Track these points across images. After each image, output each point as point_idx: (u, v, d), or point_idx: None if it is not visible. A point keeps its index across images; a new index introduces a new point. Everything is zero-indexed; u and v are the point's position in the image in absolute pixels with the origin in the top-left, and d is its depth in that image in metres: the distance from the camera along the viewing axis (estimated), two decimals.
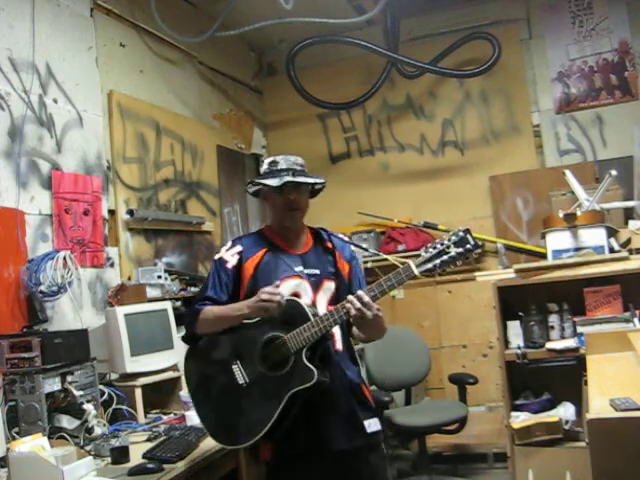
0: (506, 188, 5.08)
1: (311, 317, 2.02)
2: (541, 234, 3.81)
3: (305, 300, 2.11)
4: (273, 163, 2.21)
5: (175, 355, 3.29)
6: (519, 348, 3.40)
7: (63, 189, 3.22)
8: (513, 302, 3.50)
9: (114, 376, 3.09)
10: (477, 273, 4.55)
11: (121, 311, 3.06)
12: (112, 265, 3.55)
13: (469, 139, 5.27)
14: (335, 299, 2.16)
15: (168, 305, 3.39)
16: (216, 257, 2.25)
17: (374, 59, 5.09)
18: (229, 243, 2.27)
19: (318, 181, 2.22)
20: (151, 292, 3.59)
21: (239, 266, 2.19)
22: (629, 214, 4.26)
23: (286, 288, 2.12)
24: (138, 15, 4.04)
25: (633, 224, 3.83)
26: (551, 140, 5.07)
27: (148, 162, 4.01)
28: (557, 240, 3.63)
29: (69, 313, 3.13)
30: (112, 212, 3.63)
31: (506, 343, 3.49)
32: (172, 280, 3.82)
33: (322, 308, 2.14)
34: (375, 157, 5.53)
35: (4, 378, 2.45)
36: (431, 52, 5.07)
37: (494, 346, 4.62)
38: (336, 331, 2.17)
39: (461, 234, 1.93)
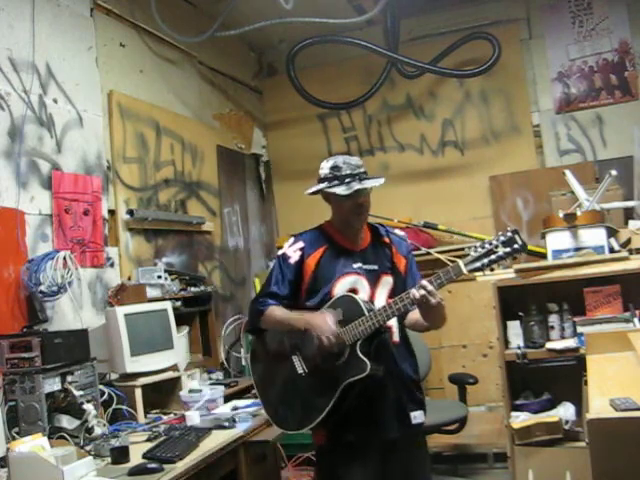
0: (506, 188, 5.07)
1: (365, 312, 2.14)
2: (541, 234, 3.81)
3: (362, 296, 2.21)
4: (336, 168, 2.26)
5: (175, 355, 3.30)
6: (519, 348, 3.40)
7: (63, 189, 3.21)
8: (513, 302, 3.50)
9: (114, 376, 3.09)
10: (477, 273, 4.54)
11: (121, 311, 3.07)
12: (112, 265, 3.54)
13: (469, 139, 5.27)
14: (393, 293, 2.25)
15: (168, 305, 3.40)
16: (279, 253, 2.36)
17: (374, 59, 5.09)
18: (291, 239, 2.36)
19: (381, 181, 2.26)
20: (151, 292, 3.59)
21: (301, 262, 2.29)
22: (629, 214, 4.26)
23: (344, 285, 2.24)
24: (138, 15, 4.03)
25: (633, 224, 3.82)
26: (551, 140, 5.07)
27: (148, 162, 4.01)
28: (557, 240, 3.63)
29: (69, 313, 3.13)
30: (112, 212, 3.63)
31: (506, 343, 3.49)
32: (172, 280, 3.82)
33: (382, 302, 2.23)
34: (375, 157, 5.53)
35: (4, 378, 2.45)
36: (431, 52, 5.07)
37: (494, 346, 4.62)
38: (394, 324, 2.27)
39: (509, 234, 2.00)
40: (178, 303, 3.73)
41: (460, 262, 2.04)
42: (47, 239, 3.11)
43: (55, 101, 3.27)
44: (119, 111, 3.77)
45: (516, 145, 5.13)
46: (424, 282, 2.06)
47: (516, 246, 1.99)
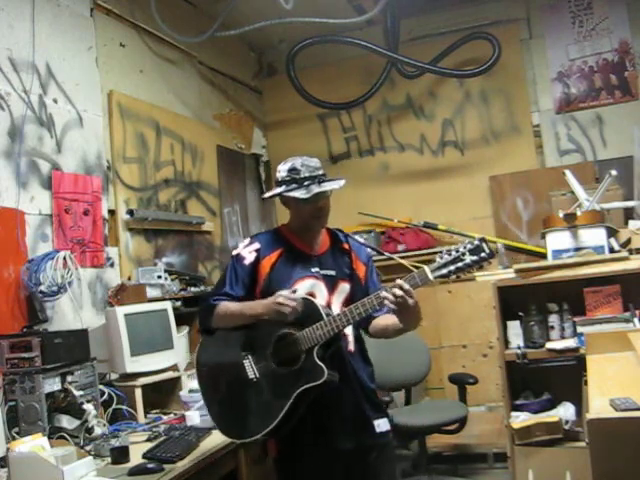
0: (506, 188, 5.08)
1: (324, 316, 2.05)
2: (541, 234, 3.81)
3: (319, 301, 2.13)
4: (294, 171, 2.17)
5: (175, 355, 3.30)
6: (519, 348, 3.40)
7: (63, 189, 3.21)
8: (513, 302, 3.50)
9: (114, 376, 3.09)
10: (477, 273, 4.52)
11: (121, 311, 3.07)
12: (112, 265, 3.54)
13: (469, 139, 5.27)
14: (349, 300, 2.17)
15: (168, 305, 3.39)
16: (234, 253, 2.27)
17: (374, 59, 5.09)
18: (247, 240, 2.29)
19: (341, 184, 2.18)
20: (151, 292, 3.58)
21: (256, 263, 2.21)
22: (629, 214, 4.26)
23: (301, 288, 2.14)
24: (138, 15, 4.03)
25: (633, 224, 3.83)
26: (551, 140, 5.07)
27: (148, 162, 4.01)
28: (557, 240, 3.63)
29: (69, 313, 3.13)
30: (112, 212, 3.63)
31: (506, 343, 3.49)
32: (172, 280, 3.82)
33: (336, 309, 2.15)
34: (375, 157, 5.53)
35: (4, 378, 2.45)
36: (431, 52, 5.07)
37: (494, 346, 4.62)
38: (349, 332, 2.20)
39: (477, 242, 1.95)
40: (178, 303, 3.72)
41: (426, 268, 1.96)
42: (47, 239, 3.11)
43: (55, 101, 3.27)
44: (119, 111, 3.77)
45: (516, 145, 5.13)
46: (400, 281, 1.98)
47: (483, 255, 1.93)
